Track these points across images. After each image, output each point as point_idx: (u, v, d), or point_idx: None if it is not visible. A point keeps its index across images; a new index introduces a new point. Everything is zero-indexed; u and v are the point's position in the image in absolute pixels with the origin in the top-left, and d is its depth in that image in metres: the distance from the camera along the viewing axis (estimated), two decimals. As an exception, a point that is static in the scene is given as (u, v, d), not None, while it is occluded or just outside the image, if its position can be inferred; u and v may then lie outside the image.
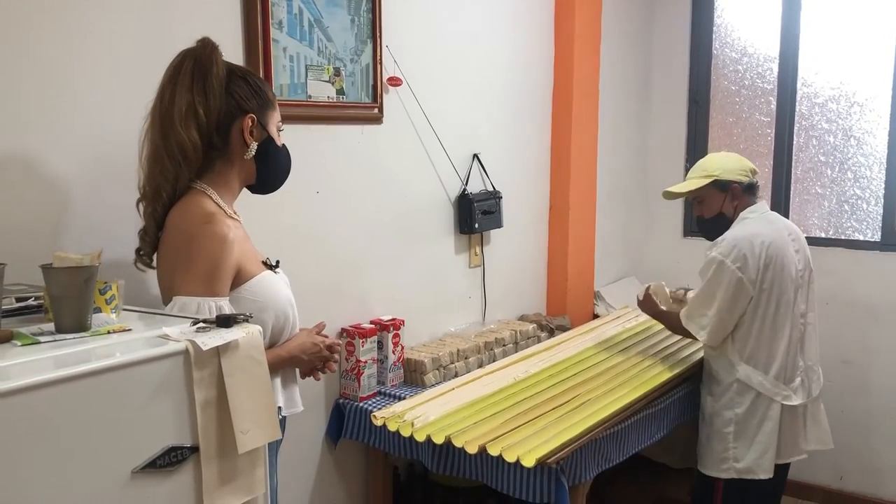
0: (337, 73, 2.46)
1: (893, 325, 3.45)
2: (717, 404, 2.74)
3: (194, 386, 1.35)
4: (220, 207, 1.71)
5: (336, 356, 1.96)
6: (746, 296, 2.61)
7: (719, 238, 2.67)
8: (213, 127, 1.68)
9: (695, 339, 2.77)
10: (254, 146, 1.74)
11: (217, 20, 2.13)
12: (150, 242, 1.73)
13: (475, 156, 3.06)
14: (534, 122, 3.37)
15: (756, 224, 2.68)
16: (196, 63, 1.66)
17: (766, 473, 2.65)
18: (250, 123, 1.72)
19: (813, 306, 2.77)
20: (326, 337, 1.94)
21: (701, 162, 2.82)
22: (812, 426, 2.77)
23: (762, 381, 2.64)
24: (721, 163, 2.75)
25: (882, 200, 3.50)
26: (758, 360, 2.65)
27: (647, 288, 3.02)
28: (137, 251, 1.75)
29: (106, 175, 1.86)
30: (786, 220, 2.82)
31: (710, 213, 2.77)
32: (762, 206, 2.75)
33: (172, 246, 1.67)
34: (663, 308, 2.97)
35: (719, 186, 2.72)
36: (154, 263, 1.75)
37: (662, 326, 3.22)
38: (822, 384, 2.81)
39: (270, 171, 1.82)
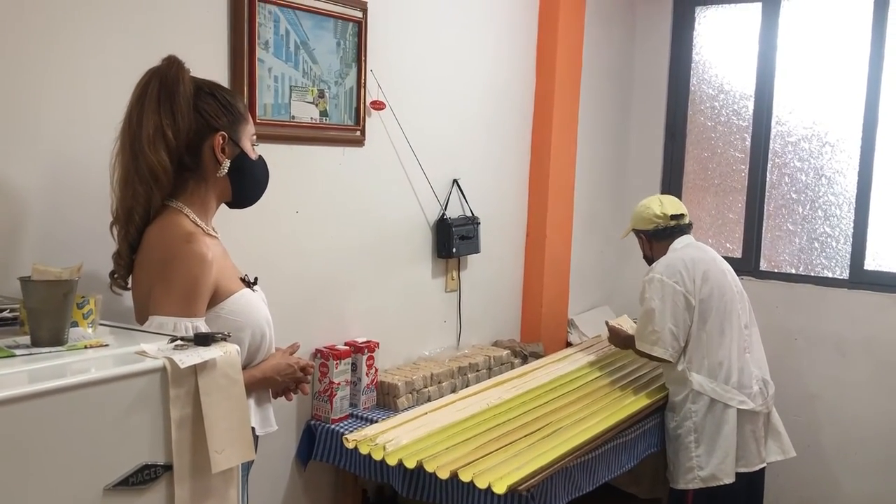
0: (321, 94, 2.48)
1: (860, 362, 3.51)
2: (677, 418, 2.89)
3: (170, 404, 1.34)
4: (198, 226, 1.70)
5: (309, 378, 1.96)
6: (689, 306, 2.83)
7: (651, 267, 2.96)
8: (183, 147, 1.67)
9: (657, 359, 2.90)
10: (226, 164, 1.72)
11: (203, 38, 2.14)
12: (125, 265, 1.71)
13: (455, 181, 3.08)
14: (513, 150, 3.41)
15: (684, 251, 2.94)
16: (162, 83, 1.64)
17: (728, 478, 2.80)
18: (221, 141, 1.70)
19: (754, 322, 2.99)
20: (300, 359, 1.94)
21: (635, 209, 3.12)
22: (772, 436, 2.96)
23: (714, 387, 2.82)
24: (636, 213, 3.06)
25: (851, 239, 3.57)
26: (708, 368, 2.83)
27: (607, 324, 3.27)
28: (111, 274, 1.73)
29: (81, 189, 1.85)
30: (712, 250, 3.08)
31: (642, 252, 3.13)
32: (686, 238, 3.00)
33: (150, 264, 1.65)
34: (626, 334, 3.16)
35: (636, 234, 3.10)
36: (129, 285, 1.74)
37: (633, 356, 3.27)
38: (773, 393, 2.96)
39: (246, 186, 1.80)
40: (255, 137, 1.82)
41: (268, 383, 1.84)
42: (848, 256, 3.58)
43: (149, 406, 1.32)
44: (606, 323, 3.30)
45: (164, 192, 1.67)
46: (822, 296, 3.59)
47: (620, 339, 3.18)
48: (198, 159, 1.70)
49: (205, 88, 1.72)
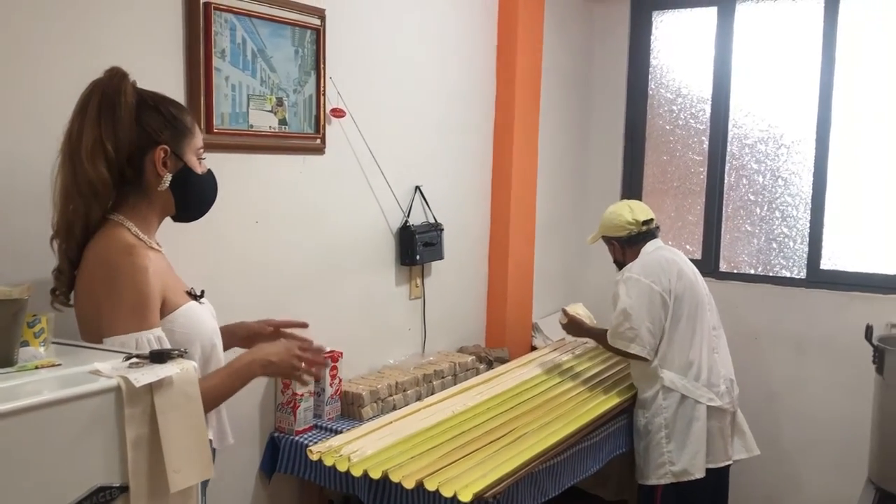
0: (280, 103, 2.45)
1: (819, 360, 3.56)
2: (647, 414, 2.93)
3: (125, 423, 1.31)
4: (140, 239, 1.67)
5: (323, 358, 1.86)
6: (665, 305, 2.88)
7: (627, 267, 2.99)
8: (124, 160, 1.64)
9: (631, 356, 2.90)
10: (167, 178, 1.68)
11: (159, 47, 2.11)
12: (66, 281, 1.67)
13: (417, 188, 3.07)
14: (475, 156, 3.41)
15: (656, 253, 3.00)
16: (103, 95, 1.61)
17: (699, 472, 2.86)
18: (163, 155, 1.67)
19: (720, 325, 3.07)
20: (300, 339, 1.87)
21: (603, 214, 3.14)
22: (737, 435, 3.05)
23: (685, 383, 2.88)
24: (606, 220, 3.09)
25: (807, 239, 3.63)
26: (679, 366, 2.89)
27: (564, 311, 3.23)
28: (53, 291, 1.68)
29: (31, 203, 1.80)
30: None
31: (612, 257, 3.15)
32: (656, 242, 3.04)
33: (92, 281, 1.61)
34: (590, 326, 3.21)
35: (606, 241, 3.12)
36: (71, 301, 1.69)
37: (597, 359, 3.29)
38: (738, 394, 3.05)
39: (190, 200, 1.76)
40: (202, 151, 1.78)
41: (255, 366, 1.74)
42: (805, 256, 3.64)
43: (103, 426, 1.29)
44: (564, 310, 3.26)
45: (104, 205, 1.64)
46: (781, 295, 3.65)
47: (583, 330, 3.20)
48: (139, 173, 1.67)
49: (149, 101, 1.68)
